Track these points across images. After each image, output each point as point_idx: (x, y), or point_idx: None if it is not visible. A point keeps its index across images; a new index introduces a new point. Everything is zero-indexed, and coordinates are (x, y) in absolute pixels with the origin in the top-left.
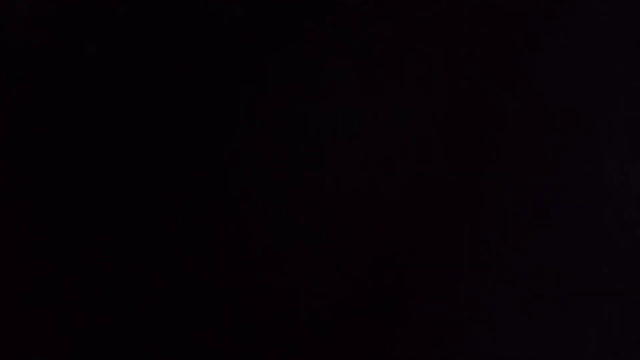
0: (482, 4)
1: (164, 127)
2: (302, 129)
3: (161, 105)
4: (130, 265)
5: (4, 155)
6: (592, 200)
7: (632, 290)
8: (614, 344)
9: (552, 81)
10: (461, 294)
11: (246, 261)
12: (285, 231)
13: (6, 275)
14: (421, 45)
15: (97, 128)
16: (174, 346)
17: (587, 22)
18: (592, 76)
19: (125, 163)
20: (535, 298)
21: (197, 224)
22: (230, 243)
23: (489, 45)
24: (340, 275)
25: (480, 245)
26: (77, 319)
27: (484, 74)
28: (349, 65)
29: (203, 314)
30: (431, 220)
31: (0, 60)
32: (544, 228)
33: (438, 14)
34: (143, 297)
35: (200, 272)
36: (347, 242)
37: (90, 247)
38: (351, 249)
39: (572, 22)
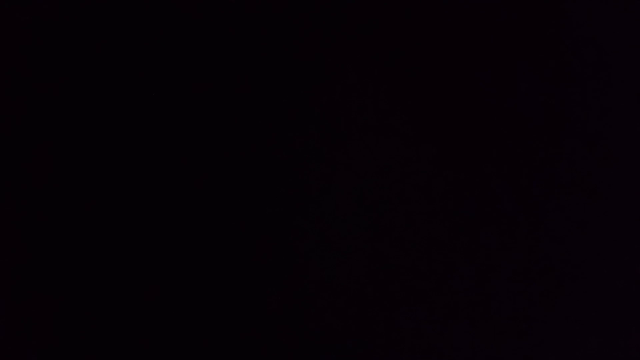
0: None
1: (163, 129)
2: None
3: (160, 108)
4: (131, 266)
5: (3, 156)
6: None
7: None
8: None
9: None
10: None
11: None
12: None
13: (6, 275)
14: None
15: (98, 129)
16: (174, 346)
17: None
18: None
19: (124, 166)
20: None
21: (196, 224)
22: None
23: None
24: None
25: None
26: (77, 319)
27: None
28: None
29: (203, 316)
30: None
31: (0, 60)
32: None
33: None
34: (143, 296)
35: (200, 273)
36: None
37: (90, 247)
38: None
39: None
